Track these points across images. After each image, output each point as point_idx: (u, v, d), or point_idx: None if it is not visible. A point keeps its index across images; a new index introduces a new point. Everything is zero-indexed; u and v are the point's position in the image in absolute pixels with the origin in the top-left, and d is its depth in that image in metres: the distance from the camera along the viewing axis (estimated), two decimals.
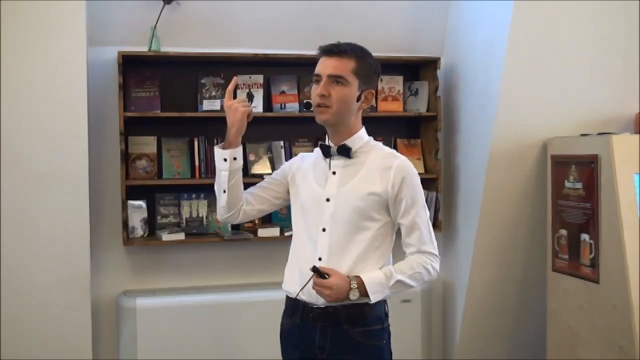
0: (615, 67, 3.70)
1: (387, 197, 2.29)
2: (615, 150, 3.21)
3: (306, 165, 2.42)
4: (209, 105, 3.82)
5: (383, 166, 2.31)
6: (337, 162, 2.34)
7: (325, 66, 2.27)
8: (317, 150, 2.41)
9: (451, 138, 4.16)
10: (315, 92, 2.28)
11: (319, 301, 2.28)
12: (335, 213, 2.29)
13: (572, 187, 3.48)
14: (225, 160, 2.37)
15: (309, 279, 2.25)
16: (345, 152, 2.31)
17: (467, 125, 4.00)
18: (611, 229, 3.22)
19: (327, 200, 2.31)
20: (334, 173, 2.33)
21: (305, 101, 2.39)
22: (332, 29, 3.80)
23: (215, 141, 3.82)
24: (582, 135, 3.57)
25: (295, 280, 2.36)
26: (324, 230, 2.30)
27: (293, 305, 2.38)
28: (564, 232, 3.56)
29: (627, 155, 3.23)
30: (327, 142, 2.37)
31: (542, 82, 3.65)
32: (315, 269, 2.22)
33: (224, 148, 2.38)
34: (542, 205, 3.74)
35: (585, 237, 3.40)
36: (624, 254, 3.13)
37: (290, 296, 2.39)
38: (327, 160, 2.35)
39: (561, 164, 3.57)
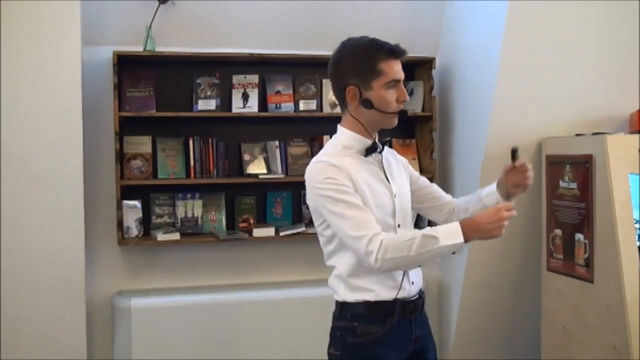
0: (610, 67, 3.71)
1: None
2: (610, 150, 3.22)
3: (353, 171, 2.22)
4: (204, 105, 3.81)
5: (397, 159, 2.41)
6: (379, 158, 2.31)
7: (399, 70, 2.23)
8: (340, 152, 2.24)
9: (446, 138, 4.16)
10: (402, 97, 2.22)
11: (412, 292, 2.28)
12: (402, 207, 2.31)
13: (566, 187, 3.49)
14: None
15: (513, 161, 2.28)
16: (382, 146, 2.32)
17: (462, 125, 4.00)
18: (606, 228, 3.22)
19: (395, 196, 2.29)
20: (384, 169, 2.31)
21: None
22: (328, 29, 3.81)
23: (210, 141, 3.82)
24: (577, 135, 3.58)
25: (385, 282, 2.22)
26: (399, 226, 2.28)
27: (385, 310, 2.22)
28: (558, 231, 3.57)
29: (622, 155, 3.23)
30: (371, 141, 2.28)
31: (536, 82, 3.66)
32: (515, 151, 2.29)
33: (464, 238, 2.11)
34: (537, 205, 3.74)
35: (579, 236, 3.40)
36: (619, 254, 3.14)
37: (379, 301, 2.22)
38: (376, 155, 2.29)
39: (556, 164, 3.57)
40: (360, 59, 2.20)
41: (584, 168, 3.35)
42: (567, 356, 3.51)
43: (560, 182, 3.52)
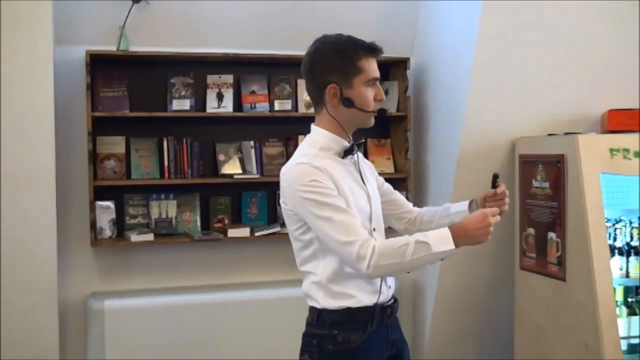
0: (582, 68, 3.75)
1: None
2: (582, 149, 3.25)
3: (335, 173, 2.18)
4: (179, 105, 3.79)
5: (366, 162, 2.39)
6: (354, 159, 2.27)
7: (377, 69, 2.21)
8: (319, 154, 2.18)
9: (421, 138, 4.18)
10: (379, 96, 2.21)
11: (389, 296, 2.27)
12: (377, 211, 2.29)
13: (539, 186, 3.52)
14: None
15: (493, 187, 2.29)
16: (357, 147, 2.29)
17: (437, 125, 4.03)
18: (577, 227, 3.26)
19: (371, 199, 2.26)
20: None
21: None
22: (303, 29, 3.80)
23: (184, 141, 3.80)
24: (549, 135, 3.61)
25: (365, 288, 2.19)
26: (374, 230, 2.24)
27: (365, 316, 2.19)
28: (531, 230, 3.60)
29: (593, 155, 3.27)
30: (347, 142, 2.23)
31: (510, 83, 3.69)
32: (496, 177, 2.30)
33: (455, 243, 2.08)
34: (510, 205, 3.74)
35: (552, 235, 3.44)
36: (590, 252, 3.17)
37: (360, 307, 2.19)
38: (352, 157, 2.25)
39: (529, 164, 3.61)
40: (340, 56, 2.16)
41: (556, 168, 3.39)
42: (540, 353, 3.55)
43: (533, 181, 3.55)
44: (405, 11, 4.09)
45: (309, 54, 2.22)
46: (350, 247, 2.04)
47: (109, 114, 3.67)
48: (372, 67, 2.18)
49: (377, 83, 2.22)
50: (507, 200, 2.34)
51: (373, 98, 2.20)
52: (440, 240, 2.05)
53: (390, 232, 2.39)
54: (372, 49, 2.18)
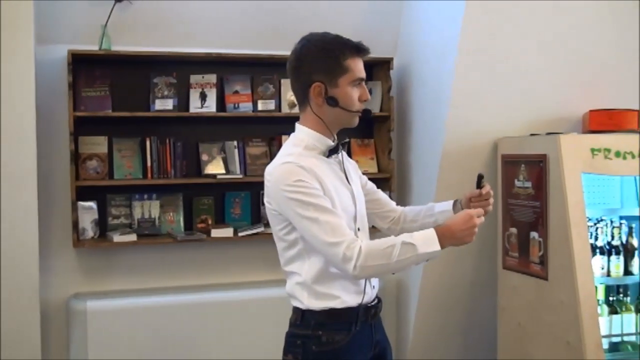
0: (564, 68, 3.78)
1: None
2: (563, 149, 3.27)
3: (320, 173, 2.17)
4: (161, 104, 3.78)
5: (350, 161, 2.38)
6: (339, 159, 2.27)
7: (363, 69, 2.20)
8: (304, 153, 2.17)
9: (404, 138, 4.19)
10: (364, 96, 2.20)
11: (373, 296, 2.26)
12: (361, 210, 2.28)
13: (521, 186, 3.54)
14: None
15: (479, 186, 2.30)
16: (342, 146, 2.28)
17: (420, 125, 4.04)
18: (559, 226, 3.28)
19: (356, 199, 2.26)
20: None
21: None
22: (286, 29, 3.80)
23: (167, 141, 3.79)
24: (532, 135, 3.63)
25: (349, 288, 2.19)
26: (359, 230, 2.24)
27: (350, 316, 2.19)
28: (514, 230, 3.62)
29: (575, 155, 3.29)
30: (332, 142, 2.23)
31: (493, 83, 3.70)
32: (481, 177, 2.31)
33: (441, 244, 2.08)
34: (493, 204, 3.78)
35: (534, 235, 3.46)
36: (572, 251, 3.19)
37: (344, 307, 2.18)
38: (336, 156, 2.25)
39: (511, 164, 3.63)
40: (326, 55, 2.15)
41: (538, 167, 3.41)
42: (522, 352, 3.57)
43: (516, 181, 3.57)
44: (389, 11, 4.10)
45: (295, 51, 2.20)
46: (336, 248, 2.03)
47: (91, 113, 3.65)
48: (358, 67, 2.18)
49: (363, 83, 2.21)
50: (491, 200, 2.35)
51: (358, 98, 2.19)
52: (427, 241, 2.05)
53: (374, 231, 2.40)
54: (358, 49, 2.18)
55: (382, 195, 2.51)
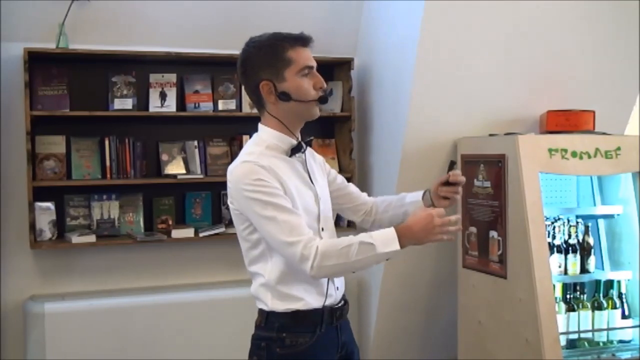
0: (522, 69, 3.82)
1: None
2: (521, 149, 3.32)
3: (281, 173, 2.15)
4: (120, 104, 3.74)
5: (316, 159, 2.37)
6: (302, 158, 2.25)
7: (310, 57, 2.18)
8: (265, 152, 2.15)
9: (365, 138, 4.21)
10: (319, 84, 2.18)
11: (338, 298, 2.25)
12: (325, 210, 2.26)
13: (481, 185, 3.58)
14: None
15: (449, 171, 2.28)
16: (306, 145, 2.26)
17: (381, 125, 4.06)
18: (518, 225, 3.32)
19: (319, 198, 2.24)
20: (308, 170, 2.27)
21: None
22: (245, 28, 3.73)
23: (126, 141, 3.75)
24: (490, 135, 3.68)
25: (311, 290, 2.17)
26: (322, 229, 2.23)
27: (314, 318, 2.18)
28: (473, 229, 3.66)
29: (532, 155, 3.34)
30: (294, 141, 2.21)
31: (452, 83, 3.73)
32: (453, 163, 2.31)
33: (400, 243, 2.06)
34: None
35: (493, 234, 3.50)
36: (530, 250, 3.23)
37: (308, 309, 2.17)
38: (300, 156, 2.23)
39: (471, 163, 3.66)
40: (265, 52, 2.14)
41: (497, 167, 3.45)
42: (483, 350, 3.60)
43: (475, 181, 3.61)
44: (349, 11, 4.10)
45: (239, 58, 2.21)
46: (293, 247, 2.03)
47: (48, 113, 3.59)
48: (302, 56, 2.16)
49: (314, 71, 2.19)
50: (460, 189, 2.31)
51: (313, 87, 2.18)
52: (386, 240, 2.05)
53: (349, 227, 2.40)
54: (296, 39, 2.17)
55: (353, 188, 2.51)
